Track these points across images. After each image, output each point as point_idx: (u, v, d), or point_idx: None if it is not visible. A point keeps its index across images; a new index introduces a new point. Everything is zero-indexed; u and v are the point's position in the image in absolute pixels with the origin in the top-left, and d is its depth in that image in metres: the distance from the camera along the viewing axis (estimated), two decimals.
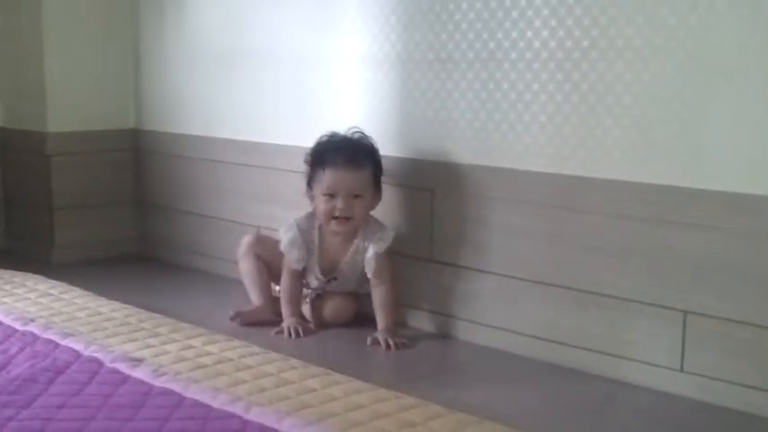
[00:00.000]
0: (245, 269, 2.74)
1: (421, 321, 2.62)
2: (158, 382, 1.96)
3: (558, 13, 2.24)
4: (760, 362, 1.99)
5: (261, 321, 2.61)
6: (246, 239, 2.77)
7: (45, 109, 3.34)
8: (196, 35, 3.24)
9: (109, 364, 2.07)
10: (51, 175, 3.36)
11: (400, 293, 2.60)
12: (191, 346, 2.23)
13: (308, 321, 2.63)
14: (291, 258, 2.58)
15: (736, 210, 2.00)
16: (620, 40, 2.14)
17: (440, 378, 2.27)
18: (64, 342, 2.21)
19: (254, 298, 2.70)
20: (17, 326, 2.34)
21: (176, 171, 3.37)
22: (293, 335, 2.52)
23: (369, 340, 2.47)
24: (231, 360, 2.13)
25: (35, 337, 2.25)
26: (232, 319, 2.61)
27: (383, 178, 2.58)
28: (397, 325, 2.55)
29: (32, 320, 2.39)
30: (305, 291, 2.66)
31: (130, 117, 3.52)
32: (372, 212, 2.58)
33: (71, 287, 2.76)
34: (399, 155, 2.61)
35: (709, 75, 2.02)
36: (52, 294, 2.68)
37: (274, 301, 2.68)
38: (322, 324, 2.62)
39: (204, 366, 2.08)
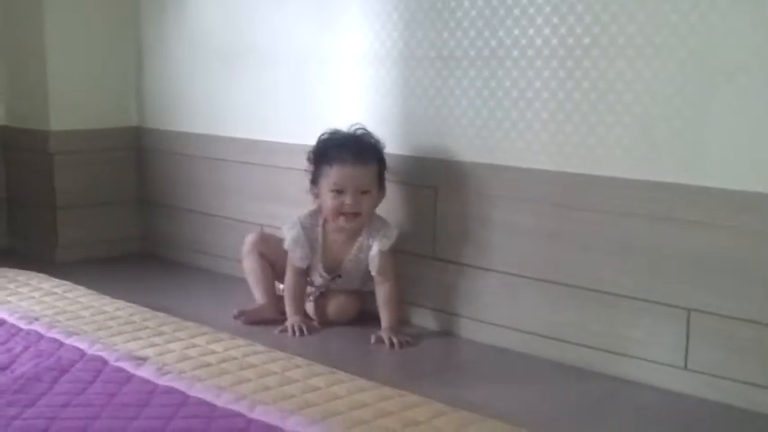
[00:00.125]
0: (249, 267, 2.74)
1: (424, 319, 2.63)
2: (162, 381, 1.96)
3: (560, 10, 2.25)
4: (764, 359, 2.00)
5: (265, 320, 2.61)
6: (250, 238, 2.78)
7: (47, 107, 3.34)
8: (198, 33, 3.24)
9: (113, 363, 2.07)
10: (54, 173, 3.36)
11: (403, 291, 2.60)
12: (195, 345, 2.23)
13: (311, 320, 2.63)
14: (295, 256, 2.59)
15: (738, 207, 2.00)
16: (621, 38, 2.15)
17: (443, 376, 2.27)
18: (68, 341, 2.21)
19: (258, 296, 2.71)
20: (21, 325, 2.34)
21: (178, 169, 3.37)
22: (297, 333, 2.52)
23: (372, 338, 2.47)
24: (235, 359, 2.14)
25: (39, 336, 2.26)
26: (236, 317, 2.61)
27: (387, 175, 2.58)
28: (400, 323, 2.56)
29: (37, 319, 2.39)
30: (309, 289, 2.66)
31: (133, 115, 3.52)
32: (376, 210, 2.58)
33: (75, 286, 2.77)
34: (402, 153, 2.61)
35: (711, 72, 2.02)
36: (56, 293, 2.69)
37: (278, 299, 2.68)
38: (326, 322, 2.62)
39: (208, 365, 2.09)
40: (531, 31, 2.31)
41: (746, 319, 2.01)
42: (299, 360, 2.14)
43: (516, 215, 2.39)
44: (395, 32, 2.62)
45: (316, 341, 2.51)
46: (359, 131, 2.58)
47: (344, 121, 2.62)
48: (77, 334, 2.27)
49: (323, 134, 2.60)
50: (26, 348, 2.17)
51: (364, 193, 2.51)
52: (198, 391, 1.91)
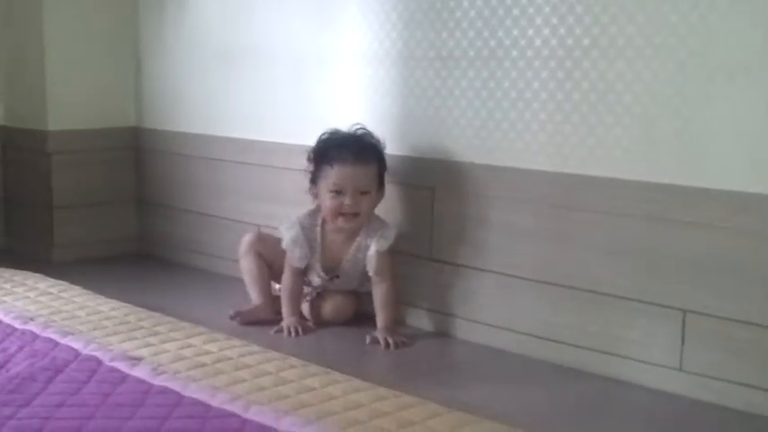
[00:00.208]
0: (246, 267, 2.73)
1: (420, 320, 2.62)
2: (157, 381, 1.96)
3: (560, 10, 2.24)
4: (759, 361, 1.99)
5: (260, 320, 2.60)
6: (247, 238, 2.77)
7: (45, 107, 3.34)
8: (196, 33, 3.24)
9: (108, 363, 2.06)
10: (51, 173, 3.36)
11: (399, 292, 2.59)
12: (190, 345, 2.22)
13: (307, 320, 2.62)
14: (294, 256, 2.58)
15: (736, 209, 1.99)
16: (621, 39, 2.14)
17: (439, 377, 2.26)
18: (63, 341, 2.21)
19: (254, 297, 2.70)
20: (16, 324, 2.34)
21: (176, 169, 3.37)
22: (293, 334, 2.52)
23: (368, 339, 2.47)
24: (230, 359, 2.13)
25: (34, 336, 2.25)
26: (232, 318, 2.60)
27: (386, 174, 2.57)
28: (396, 323, 2.55)
29: (32, 319, 2.38)
30: (305, 289, 2.65)
31: (131, 115, 3.51)
32: (375, 210, 2.57)
33: (71, 286, 2.76)
34: (400, 153, 2.61)
35: (711, 73, 2.02)
36: (52, 293, 2.68)
37: (274, 299, 2.67)
38: (321, 323, 2.62)
39: (203, 365, 2.08)
40: (530, 32, 2.31)
41: (743, 320, 2.01)
42: (294, 360, 2.14)
43: (514, 216, 2.39)
44: (393, 32, 2.61)
45: (311, 341, 2.50)
46: (359, 131, 2.58)
47: (343, 121, 2.62)
48: (72, 334, 2.26)
49: (323, 134, 2.59)
50: (21, 348, 2.17)
51: (364, 193, 2.50)
52: (193, 392, 1.90)
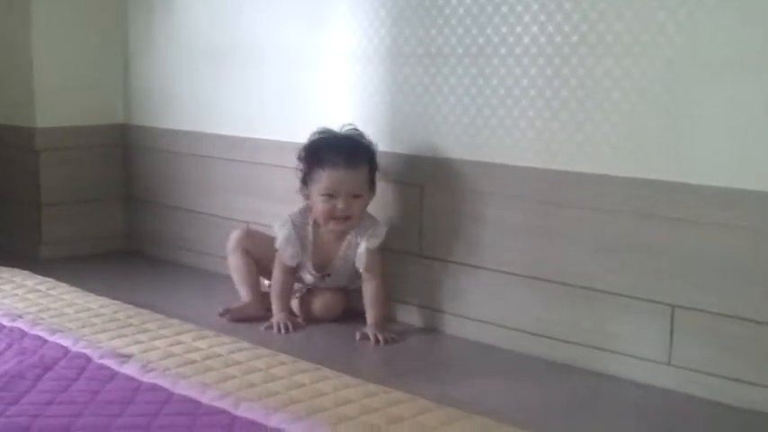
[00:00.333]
0: (234, 264, 2.73)
1: (410, 316, 2.62)
2: (147, 378, 1.96)
3: (548, 8, 2.24)
4: (747, 355, 2.00)
5: (250, 317, 2.60)
6: (235, 235, 2.76)
7: (33, 104, 3.33)
8: (184, 30, 3.23)
9: (97, 360, 2.06)
10: (39, 170, 3.35)
11: (389, 288, 2.59)
12: (179, 342, 2.22)
13: (297, 317, 2.62)
14: (285, 255, 2.57)
15: (724, 204, 2.00)
16: (609, 36, 2.14)
17: (429, 373, 2.27)
18: (52, 338, 2.20)
19: (243, 294, 2.69)
20: (5, 322, 2.33)
21: (164, 166, 3.36)
22: (282, 330, 2.52)
23: (358, 335, 2.47)
24: (220, 356, 2.13)
25: (23, 334, 2.24)
26: (221, 315, 2.60)
27: (377, 174, 2.57)
28: (386, 320, 2.55)
29: (20, 316, 2.38)
30: (295, 285, 2.65)
31: (119, 112, 3.50)
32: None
33: (59, 283, 2.75)
34: (389, 150, 2.61)
35: (699, 70, 2.02)
36: (40, 290, 2.67)
37: (263, 296, 2.67)
38: (311, 319, 2.61)
39: (193, 362, 2.08)
40: (518, 29, 2.31)
41: (731, 315, 2.02)
42: (283, 357, 2.14)
43: (503, 212, 2.39)
44: (382, 29, 2.61)
45: (301, 338, 2.50)
46: (351, 132, 2.56)
47: (332, 118, 2.62)
48: (61, 331, 2.26)
49: (314, 134, 2.57)
50: (9, 346, 2.16)
51: (356, 197, 2.49)
52: (182, 389, 1.90)
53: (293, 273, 2.62)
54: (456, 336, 2.51)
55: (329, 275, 2.60)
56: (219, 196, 3.16)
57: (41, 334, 2.23)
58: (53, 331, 2.25)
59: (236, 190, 3.10)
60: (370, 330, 2.47)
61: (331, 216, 2.49)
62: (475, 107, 2.42)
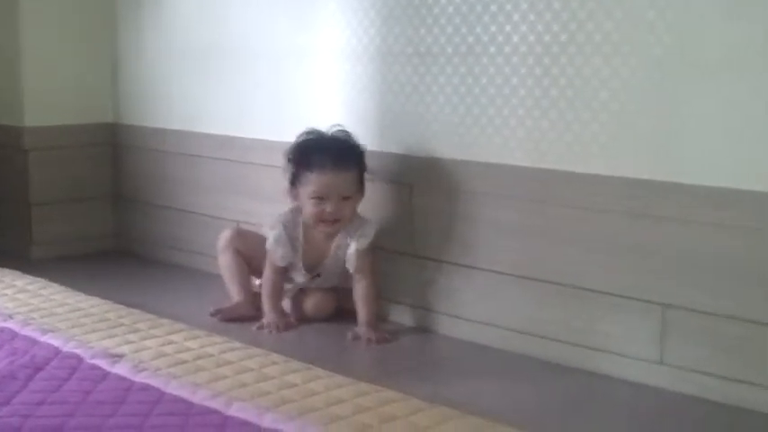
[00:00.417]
0: (225, 264, 2.73)
1: (402, 316, 2.63)
2: (138, 378, 1.96)
3: (537, 7, 2.25)
4: (739, 354, 2.01)
5: (241, 317, 2.60)
6: (226, 234, 2.76)
7: (22, 103, 3.31)
8: (173, 29, 3.22)
9: (88, 361, 2.06)
10: (29, 169, 3.33)
11: (381, 288, 2.60)
12: (171, 342, 2.22)
13: (288, 316, 2.62)
14: (276, 255, 2.56)
15: (715, 204, 2.00)
16: (598, 35, 2.15)
17: (421, 372, 2.27)
18: (43, 338, 2.20)
19: (234, 293, 2.69)
20: None
21: (154, 166, 3.35)
22: (274, 330, 2.51)
23: (349, 335, 2.47)
24: (212, 356, 2.13)
25: (14, 334, 2.24)
26: (212, 315, 2.60)
27: (366, 175, 2.57)
28: (378, 319, 2.55)
29: (11, 317, 2.37)
30: (287, 286, 2.65)
31: (108, 111, 3.49)
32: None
33: (50, 283, 2.75)
34: (378, 149, 2.60)
35: (688, 69, 2.03)
36: (30, 290, 2.67)
37: (254, 295, 2.67)
38: (303, 319, 2.61)
39: (184, 362, 2.08)
40: (508, 28, 2.31)
41: (722, 314, 2.02)
42: (275, 356, 2.14)
43: (493, 211, 2.39)
44: (372, 28, 2.61)
45: (293, 338, 2.50)
46: (340, 134, 2.56)
47: (321, 118, 2.62)
48: (52, 331, 2.25)
49: (301, 134, 2.57)
50: (0, 346, 2.15)
51: (345, 199, 2.49)
52: (174, 389, 1.90)
53: (284, 273, 2.61)
54: (448, 335, 2.51)
55: (320, 275, 2.60)
56: (209, 195, 3.16)
57: (32, 334, 2.23)
58: (44, 331, 2.25)
59: (225, 189, 3.09)
60: (361, 330, 2.47)
61: (320, 219, 2.49)
62: (464, 106, 2.43)
